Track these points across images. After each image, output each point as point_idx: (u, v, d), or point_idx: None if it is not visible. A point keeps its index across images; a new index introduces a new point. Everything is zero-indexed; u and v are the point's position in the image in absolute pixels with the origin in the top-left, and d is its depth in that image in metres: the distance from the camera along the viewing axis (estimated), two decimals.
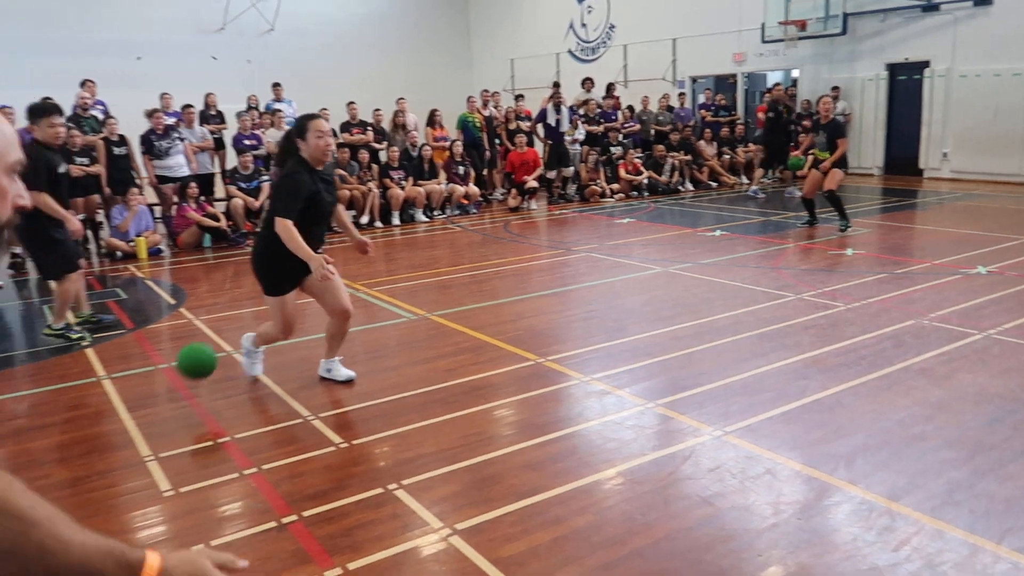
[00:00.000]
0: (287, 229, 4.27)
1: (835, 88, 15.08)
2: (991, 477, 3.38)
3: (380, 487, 3.48)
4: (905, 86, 14.80)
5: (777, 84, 14.55)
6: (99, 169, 9.83)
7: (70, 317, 6.23)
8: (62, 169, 5.99)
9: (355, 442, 3.98)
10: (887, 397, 4.31)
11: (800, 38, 15.13)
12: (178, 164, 10.42)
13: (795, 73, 16.85)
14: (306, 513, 3.27)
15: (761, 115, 15.76)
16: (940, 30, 13.95)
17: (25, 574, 1.07)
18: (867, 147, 15.37)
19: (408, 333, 5.97)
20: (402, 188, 11.63)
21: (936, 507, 3.15)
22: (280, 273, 4.53)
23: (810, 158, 10.07)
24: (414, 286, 7.54)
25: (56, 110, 5.93)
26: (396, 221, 11.51)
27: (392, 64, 21.39)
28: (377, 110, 12.84)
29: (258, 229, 4.29)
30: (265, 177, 10.84)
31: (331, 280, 4.45)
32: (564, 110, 13.07)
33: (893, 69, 14.86)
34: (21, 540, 1.05)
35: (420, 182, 11.83)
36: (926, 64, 14.27)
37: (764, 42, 15.90)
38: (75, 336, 6.00)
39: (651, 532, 3.07)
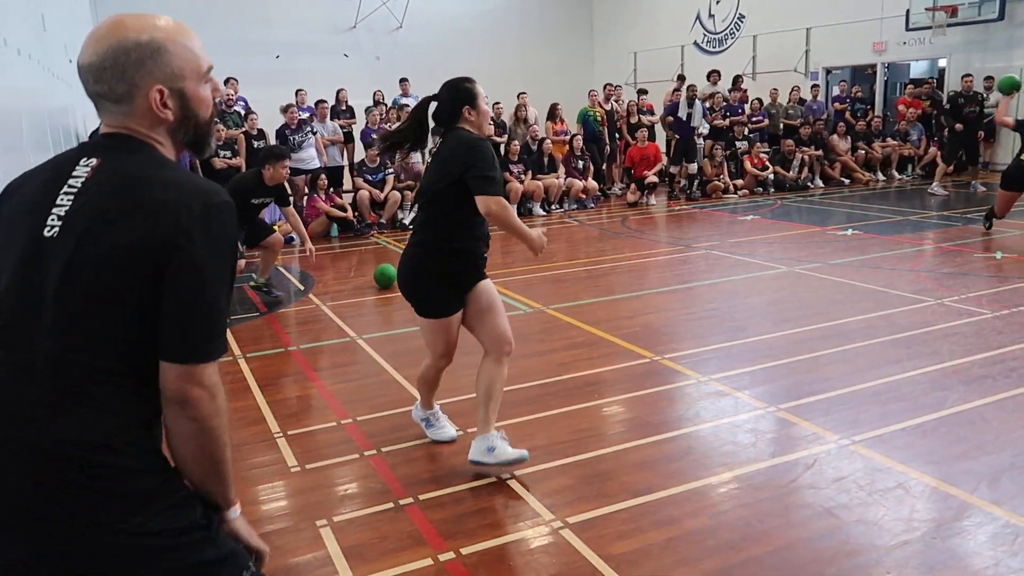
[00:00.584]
0: (504, 209, 3.25)
1: (988, 78, 13.94)
2: None
3: (494, 476, 3.52)
4: None
5: (968, 76, 13.38)
6: (240, 161, 10.47)
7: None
8: (256, 201, 6.99)
9: (470, 430, 4.04)
10: None
11: (950, 24, 14.07)
12: (310, 157, 10.93)
13: (942, 63, 15.71)
14: (422, 496, 3.36)
15: (902, 107, 14.84)
16: None
17: (203, 459, 1.41)
18: (1009, 143, 14.09)
19: (523, 326, 6.01)
20: (521, 182, 11.72)
21: None
22: (451, 285, 3.45)
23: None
24: (530, 279, 7.59)
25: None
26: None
27: (514, 59, 21.57)
28: (497, 103, 12.98)
29: (413, 236, 3.49)
30: (390, 170, 11.20)
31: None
32: (697, 104, 12.74)
33: None
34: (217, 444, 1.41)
35: (539, 176, 11.88)
36: None
37: (908, 30, 14.91)
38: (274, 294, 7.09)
39: (770, 540, 2.96)
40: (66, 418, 1.29)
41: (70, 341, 1.31)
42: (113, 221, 1.33)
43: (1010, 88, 8.43)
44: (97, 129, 1.63)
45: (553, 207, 12.01)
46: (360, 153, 11.93)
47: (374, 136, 11.79)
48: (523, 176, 11.81)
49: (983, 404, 4.09)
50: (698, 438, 3.89)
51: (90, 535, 1.28)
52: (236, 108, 11.45)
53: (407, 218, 11.06)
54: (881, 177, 14.09)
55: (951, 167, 12.64)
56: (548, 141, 12.26)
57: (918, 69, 17.19)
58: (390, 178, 11.00)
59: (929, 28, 14.36)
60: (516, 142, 12.06)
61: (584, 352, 5.24)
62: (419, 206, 3.55)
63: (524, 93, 13.08)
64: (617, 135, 13.74)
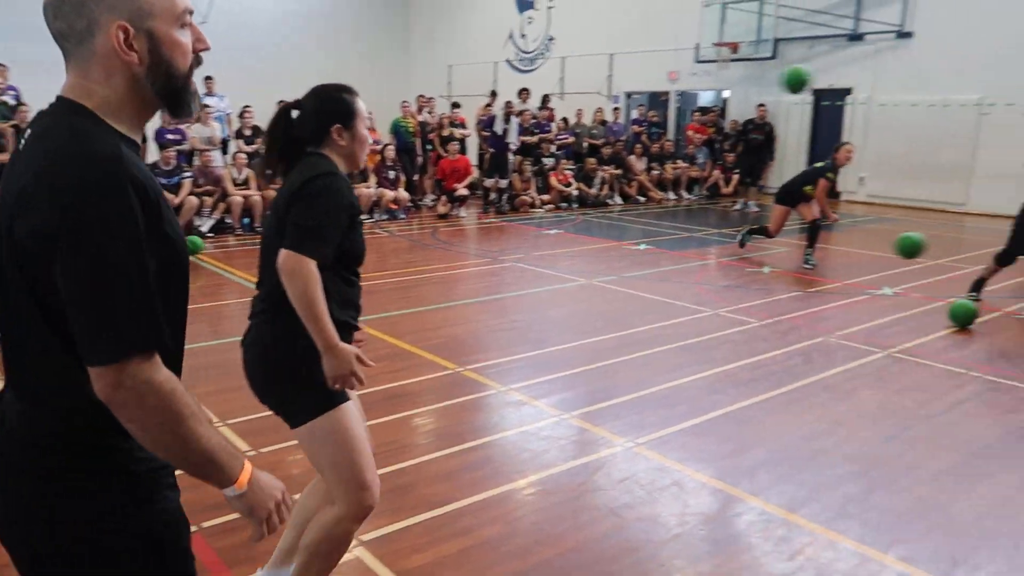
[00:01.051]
0: (310, 276, 2.17)
1: (761, 105, 15.53)
2: (883, 491, 3.54)
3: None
4: (828, 112, 15.40)
5: (762, 105, 14.81)
6: (4, 157, 9.37)
7: None
8: None
9: (263, 450, 3.88)
10: (793, 412, 4.46)
11: (732, 60, 15.58)
12: None
13: (726, 94, 17.35)
14: (205, 524, 3.17)
15: (690, 133, 16.19)
16: (863, 59, 14.59)
17: (167, 453, 1.29)
18: (789, 169, 15.83)
19: None
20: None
21: (831, 519, 3.27)
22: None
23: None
24: None
25: None
26: None
27: (327, 64, 21.06)
28: None
29: (256, 306, 2.42)
30: (188, 173, 10.52)
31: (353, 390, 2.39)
32: (513, 120, 13.11)
33: (818, 95, 15.44)
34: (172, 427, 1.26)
35: (352, 185, 11.68)
36: (848, 91, 14.89)
37: (698, 62, 16.33)
38: None
39: (559, 543, 3.10)
40: None
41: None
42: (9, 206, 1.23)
43: (795, 82, 8.24)
44: None
45: (363, 217, 11.84)
46: (154, 154, 11.11)
47: (169, 136, 11.04)
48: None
49: (748, 405, 4.54)
50: (498, 447, 4.00)
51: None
52: (4, 98, 10.26)
53: (204, 225, 10.45)
54: (672, 196, 15.28)
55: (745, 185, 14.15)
56: None
57: (706, 98, 18.85)
58: (187, 182, 10.34)
59: (715, 62, 15.81)
60: None
61: (388, 364, 5.21)
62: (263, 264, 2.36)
63: None
64: (429, 147, 13.83)
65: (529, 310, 6.82)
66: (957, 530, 3.21)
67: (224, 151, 12.19)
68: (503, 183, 13.13)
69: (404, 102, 13.66)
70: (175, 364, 1.40)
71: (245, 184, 10.84)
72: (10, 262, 1.25)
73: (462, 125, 14.10)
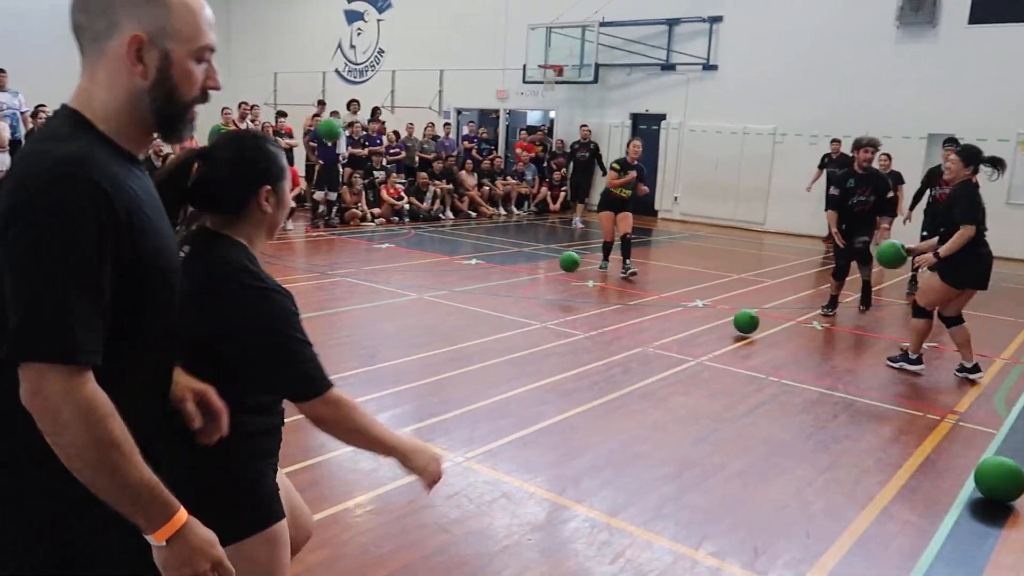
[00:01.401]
0: (346, 410, 1.79)
1: (584, 126, 16.25)
2: (695, 490, 3.78)
3: None
4: (646, 135, 16.38)
5: (585, 126, 15.45)
6: None
7: None
8: None
9: None
10: (614, 419, 4.67)
11: (557, 82, 16.22)
12: None
13: (552, 114, 18.02)
14: None
15: (519, 151, 16.66)
16: (676, 88, 15.70)
17: (83, 477, 1.19)
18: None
19: None
20: None
21: (648, 520, 3.45)
22: (267, 473, 1.91)
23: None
24: None
25: None
26: None
27: None
28: None
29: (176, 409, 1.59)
30: None
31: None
32: (343, 132, 12.83)
33: (636, 119, 16.44)
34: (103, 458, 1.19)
35: None
36: (663, 117, 15.96)
37: (525, 82, 16.85)
38: None
39: (386, 564, 3.04)
40: None
41: None
42: None
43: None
44: None
45: (177, 228, 11.10)
46: None
47: None
48: None
49: (573, 415, 4.71)
50: (325, 468, 3.86)
51: None
52: None
53: None
54: (503, 212, 15.62)
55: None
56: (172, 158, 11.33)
57: (534, 117, 19.49)
58: None
59: (541, 83, 16.39)
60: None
61: None
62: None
63: None
64: None
65: (359, 325, 6.68)
66: (759, 523, 3.49)
67: (13, 154, 11.00)
68: (332, 196, 12.82)
69: (226, 108, 12.99)
70: (145, 388, 1.36)
71: None
72: None
73: (289, 135, 13.63)
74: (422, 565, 3.05)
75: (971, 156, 5.55)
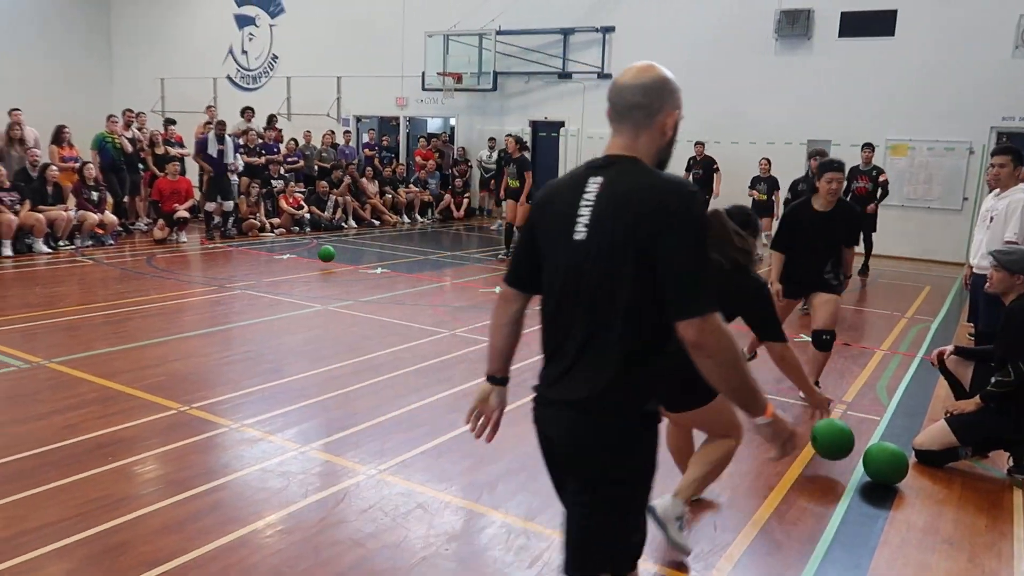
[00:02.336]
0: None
1: (491, 139, 16.42)
2: None
3: None
4: (545, 142, 16.66)
5: (509, 135, 15.43)
6: None
7: None
8: None
9: None
10: (526, 424, 4.66)
11: (456, 90, 16.24)
12: None
13: (453, 121, 18.02)
14: None
15: (419, 159, 16.58)
16: (573, 96, 16.00)
17: (728, 384, 1.82)
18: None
19: (17, 385, 5.08)
20: (16, 213, 9.96)
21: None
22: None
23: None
24: (29, 328, 6.46)
25: None
26: (8, 252, 9.79)
27: (5, 67, 18.44)
28: None
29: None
30: None
31: None
32: (228, 140, 12.32)
33: (535, 126, 16.65)
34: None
35: (41, 207, 10.26)
36: (562, 124, 16.23)
37: (424, 90, 16.77)
38: None
39: None
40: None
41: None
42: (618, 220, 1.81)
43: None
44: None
45: (61, 243, 10.46)
46: None
47: None
48: (19, 206, 10.06)
49: None
50: (230, 489, 3.72)
51: None
52: None
53: None
54: (406, 220, 15.49)
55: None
56: (53, 168, 10.67)
57: (435, 125, 19.43)
58: None
59: (440, 90, 16.36)
60: (2, 168, 10.12)
61: (97, 409, 4.62)
62: None
63: (18, 110, 11.19)
64: (142, 166, 12.62)
65: (261, 339, 6.47)
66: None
67: None
68: (228, 206, 12.36)
69: (111, 116, 12.32)
70: None
71: None
72: (624, 254, 1.79)
73: (180, 144, 13.08)
74: None
75: None
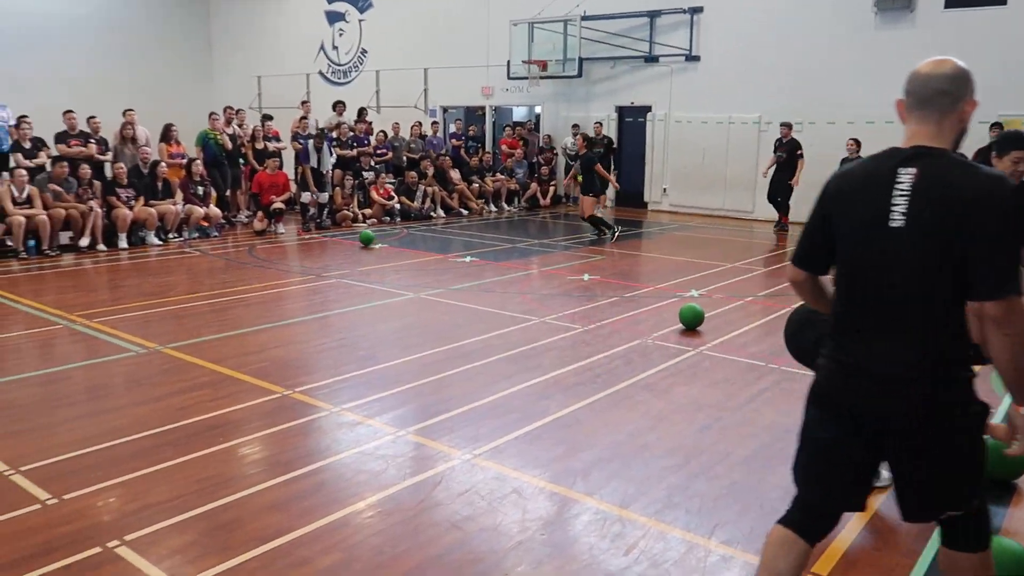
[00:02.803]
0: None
1: (575, 125, 16.36)
2: (702, 479, 3.80)
3: (98, 546, 3.08)
4: (632, 127, 16.43)
5: (598, 123, 15.67)
6: None
7: None
8: None
9: (66, 497, 3.49)
10: (618, 411, 4.68)
11: (542, 77, 16.20)
12: None
13: (538, 109, 18.00)
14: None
15: (504, 148, 16.64)
16: (660, 79, 15.71)
17: (1014, 366, 2.02)
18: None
19: (136, 369, 5.41)
20: (131, 208, 10.58)
21: (659, 510, 3.47)
22: None
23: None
24: (144, 316, 6.86)
25: None
26: (124, 244, 10.43)
27: (120, 71, 19.56)
28: (92, 118, 11.57)
29: None
30: None
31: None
32: (325, 148, 12.78)
33: (622, 111, 16.44)
34: None
35: (153, 202, 10.86)
36: (649, 109, 15.97)
37: (510, 78, 16.81)
38: None
39: (400, 564, 3.03)
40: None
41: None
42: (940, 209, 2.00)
43: (367, 241, 10.83)
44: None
45: (171, 236, 11.05)
46: None
47: None
48: (133, 202, 10.68)
49: (578, 408, 4.71)
50: (332, 471, 3.86)
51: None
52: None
53: None
54: (493, 208, 15.60)
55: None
56: (163, 164, 11.27)
57: (520, 113, 19.46)
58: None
59: (526, 78, 16.36)
60: (122, 164, 10.84)
61: (207, 393, 4.88)
62: None
63: (132, 110, 11.86)
64: (242, 160, 13.18)
65: (357, 327, 6.66)
66: (768, 509, 3.50)
67: (5, 166, 10.91)
68: (323, 198, 12.76)
69: (213, 113, 12.91)
70: None
71: (28, 203, 9.74)
72: (940, 240, 1.99)
73: (276, 138, 13.57)
74: (436, 563, 3.04)
75: None
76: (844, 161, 11.95)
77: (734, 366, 5.63)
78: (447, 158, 15.33)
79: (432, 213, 14.33)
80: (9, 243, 9.61)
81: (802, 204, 13.50)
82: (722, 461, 4.01)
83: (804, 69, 13.89)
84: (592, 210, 11.91)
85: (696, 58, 15.15)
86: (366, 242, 10.77)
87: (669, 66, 15.52)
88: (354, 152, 13.86)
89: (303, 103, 14.78)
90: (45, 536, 3.16)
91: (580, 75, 16.00)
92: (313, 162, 12.58)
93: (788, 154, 12.99)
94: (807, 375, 5.37)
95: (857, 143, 11.89)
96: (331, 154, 13.05)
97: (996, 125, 10.52)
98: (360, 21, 19.99)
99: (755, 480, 3.79)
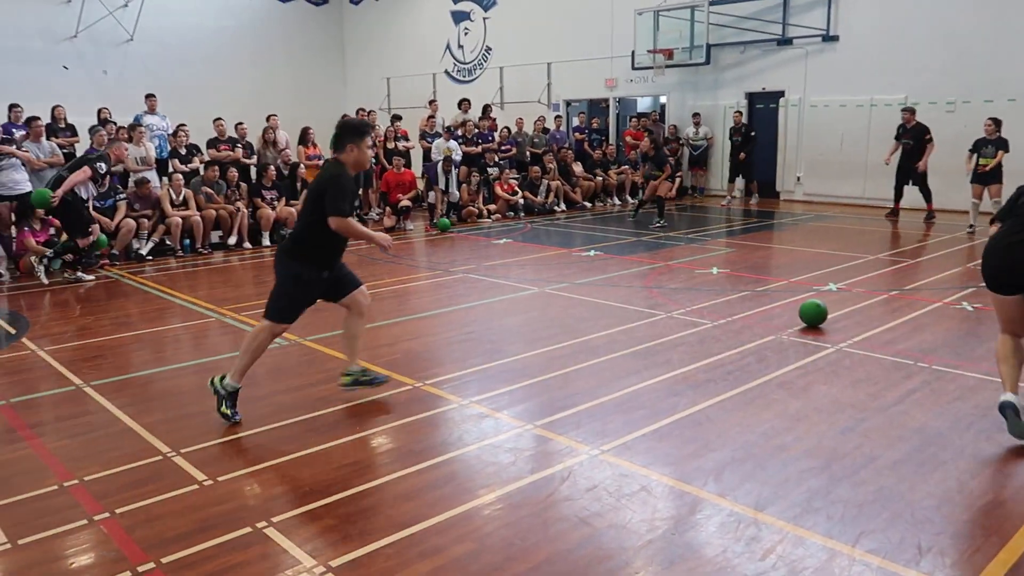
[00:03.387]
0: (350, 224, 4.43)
1: (696, 114, 15.93)
2: (845, 483, 3.59)
3: (248, 526, 3.28)
4: (763, 114, 15.79)
5: (737, 112, 15.31)
6: None
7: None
8: None
9: (221, 479, 3.75)
10: (751, 410, 4.51)
11: (668, 66, 15.85)
12: (13, 181, 9.29)
13: (663, 99, 17.63)
14: (165, 560, 3.03)
15: (628, 139, 16.39)
16: (794, 63, 15.00)
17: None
18: (728, 171, 16.27)
19: (279, 359, 5.73)
20: (274, 208, 11.23)
21: (797, 515, 3.31)
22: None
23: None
24: None
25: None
26: (267, 242, 11.10)
27: (262, 79, 20.77)
28: (239, 124, 12.36)
29: None
30: (122, 196, 10.18)
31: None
32: (452, 145, 13.16)
33: (752, 98, 15.82)
34: None
35: (293, 202, 11.48)
36: (782, 94, 15.29)
37: (634, 69, 16.55)
38: None
39: (530, 557, 3.05)
40: None
41: None
42: None
43: (444, 228, 11.23)
44: None
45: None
46: None
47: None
48: (276, 202, 11.34)
49: (708, 406, 4.58)
50: (462, 462, 3.93)
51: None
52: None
53: (144, 248, 10.12)
54: (617, 201, 15.43)
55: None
56: (302, 166, 11.88)
57: (644, 104, 19.13)
58: (122, 205, 10.00)
59: (651, 68, 16.06)
60: (270, 166, 11.54)
61: None
62: None
63: (274, 115, 12.59)
64: (373, 160, 13.70)
65: (483, 321, 6.77)
66: (919, 518, 3.28)
67: (164, 172, 11.84)
68: (452, 197, 13.06)
69: (345, 115, 13.47)
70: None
71: (184, 205, 10.54)
72: None
73: (405, 138, 14.00)
74: (566, 558, 3.04)
75: None
76: (978, 143, 10.98)
77: (878, 364, 5.30)
78: (569, 151, 15.30)
79: (555, 207, 14.35)
80: (168, 242, 10.43)
81: (948, 190, 12.53)
82: (867, 465, 3.77)
83: (954, 45, 12.85)
84: (667, 193, 12.68)
85: (835, 38, 14.34)
86: (443, 229, 11.20)
87: (804, 48, 14.78)
88: (479, 149, 14.08)
89: (431, 102, 15.18)
90: (203, 515, 3.40)
91: (708, 62, 15.53)
92: (441, 184, 12.94)
93: (916, 140, 12.16)
94: (960, 374, 5.01)
95: (996, 123, 10.86)
96: (458, 152, 13.33)
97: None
98: (484, 19, 20.27)
99: (905, 487, 3.55)
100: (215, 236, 11.00)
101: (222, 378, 4.51)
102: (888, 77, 13.73)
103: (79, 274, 8.80)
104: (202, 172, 11.22)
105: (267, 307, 4.60)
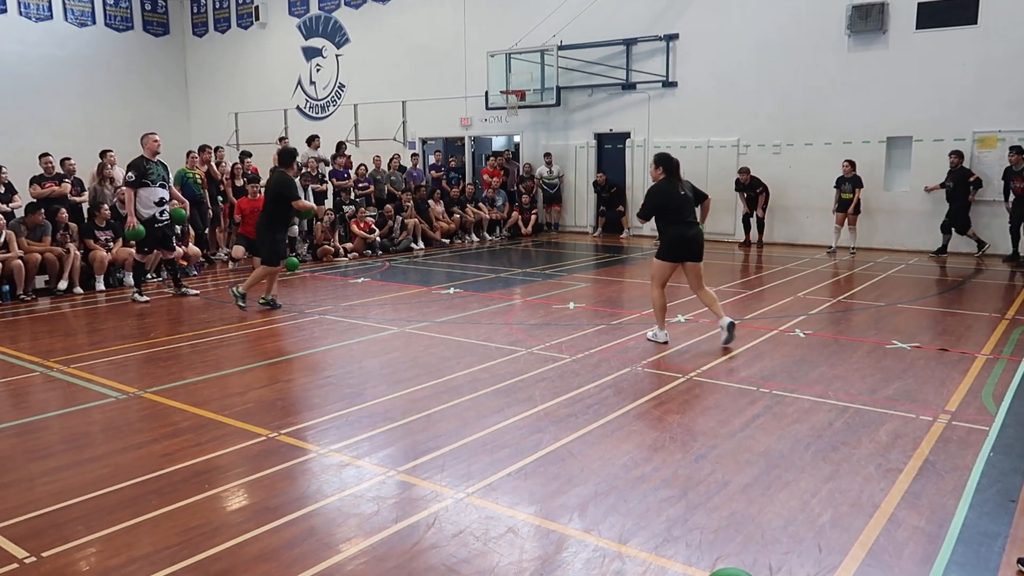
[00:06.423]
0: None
1: (547, 154, 16.50)
2: (701, 510, 3.73)
3: None
4: (611, 153, 16.56)
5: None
6: None
7: None
8: None
9: (45, 554, 3.35)
10: (612, 443, 4.62)
11: (520, 107, 16.31)
12: None
13: (517, 138, 18.09)
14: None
15: (486, 177, 16.67)
16: (637, 106, 15.87)
17: None
18: (581, 208, 16.90)
19: (116, 416, 5.27)
20: (109, 250, 10.44)
21: (659, 544, 3.39)
22: None
23: None
24: (122, 360, 6.72)
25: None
26: (101, 286, 10.27)
27: (96, 112, 19.47)
28: (67, 159, 11.46)
29: None
30: None
31: None
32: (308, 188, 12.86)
33: (600, 138, 16.57)
34: None
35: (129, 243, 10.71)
36: (628, 135, 16.11)
37: (488, 109, 16.91)
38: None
39: None
40: None
41: None
42: None
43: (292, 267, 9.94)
44: None
45: (150, 276, 10.89)
46: None
47: None
48: (111, 244, 10.54)
49: (570, 441, 4.64)
50: (322, 515, 3.75)
51: None
52: None
53: None
54: (475, 239, 15.58)
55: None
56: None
57: (499, 143, 19.56)
58: None
59: (504, 108, 16.46)
60: (105, 206, 10.73)
61: (191, 438, 4.75)
62: None
63: (111, 151, 11.76)
64: (220, 198, 13.08)
65: (342, 364, 6.56)
66: (769, 539, 3.45)
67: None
68: (293, 231, 12.67)
69: (190, 152, 12.83)
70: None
71: (4, 247, 9.58)
72: None
73: (255, 175, 13.49)
74: None
75: None
76: (839, 180, 12.80)
77: (725, 391, 5.59)
78: (424, 190, 15.32)
79: (412, 245, 14.28)
80: None
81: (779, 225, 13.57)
82: (720, 491, 3.94)
83: (780, 91, 14.10)
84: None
85: (673, 84, 15.33)
86: (291, 268, 10.07)
87: (647, 92, 15.69)
88: (324, 187, 13.86)
89: (281, 139, 14.75)
90: None
91: (558, 104, 16.14)
92: (300, 195, 12.54)
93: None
94: (799, 399, 5.37)
95: (852, 164, 12.80)
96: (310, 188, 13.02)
97: (1015, 149, 11.76)
98: (337, 56, 20.09)
99: (755, 510, 3.73)
100: (40, 281, 10.07)
101: None
102: (723, 121, 14.81)
103: None
104: (21, 213, 10.27)
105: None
